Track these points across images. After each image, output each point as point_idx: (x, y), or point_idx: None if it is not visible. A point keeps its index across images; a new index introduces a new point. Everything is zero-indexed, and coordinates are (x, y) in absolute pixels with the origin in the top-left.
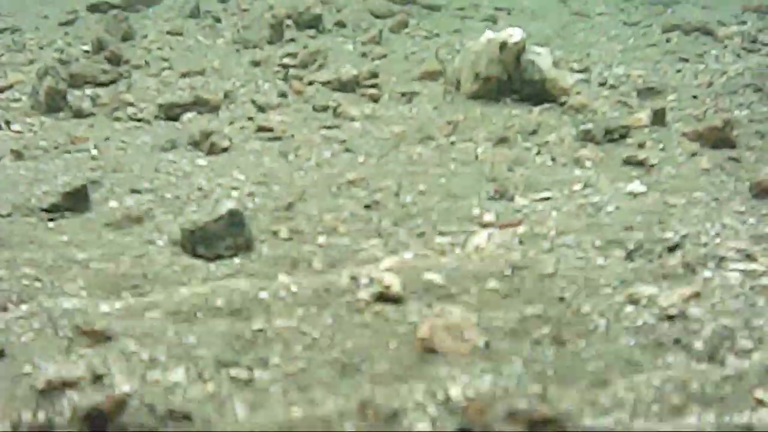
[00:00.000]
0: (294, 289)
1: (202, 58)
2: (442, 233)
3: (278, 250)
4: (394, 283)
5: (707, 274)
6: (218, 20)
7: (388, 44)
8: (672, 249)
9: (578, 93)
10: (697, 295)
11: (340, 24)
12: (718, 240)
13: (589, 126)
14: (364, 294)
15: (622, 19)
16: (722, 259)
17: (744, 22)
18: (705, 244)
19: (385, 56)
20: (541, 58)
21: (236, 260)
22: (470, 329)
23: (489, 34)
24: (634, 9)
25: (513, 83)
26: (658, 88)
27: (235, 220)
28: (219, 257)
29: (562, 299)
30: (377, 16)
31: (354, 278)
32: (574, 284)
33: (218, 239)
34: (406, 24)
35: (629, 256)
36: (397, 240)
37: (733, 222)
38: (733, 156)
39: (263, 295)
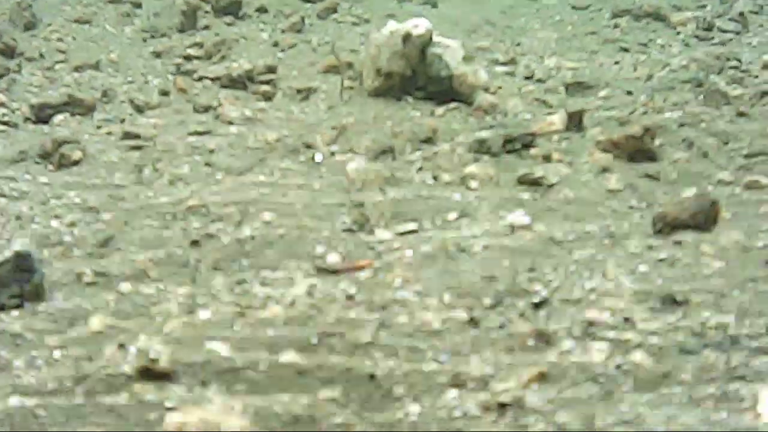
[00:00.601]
0: (56, 355)
1: (104, 49)
2: (264, 281)
3: (72, 299)
4: (163, 356)
5: (567, 345)
6: (138, 5)
7: (310, 32)
8: (537, 306)
9: (492, 91)
10: (542, 377)
11: (262, 9)
12: (593, 296)
13: (485, 135)
14: (127, 367)
15: (571, 3)
16: (591, 324)
17: (704, 6)
18: (577, 302)
19: (294, 46)
20: (450, 51)
21: (15, 313)
22: (232, 422)
23: (392, 25)
24: None
25: (418, 80)
26: (589, 83)
27: (23, 264)
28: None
29: (372, 377)
30: (306, 0)
31: (122, 346)
32: (393, 357)
33: (2, 286)
34: (335, 9)
35: (473, 320)
36: (209, 290)
37: (619, 270)
38: (650, 173)
39: (18, 363)
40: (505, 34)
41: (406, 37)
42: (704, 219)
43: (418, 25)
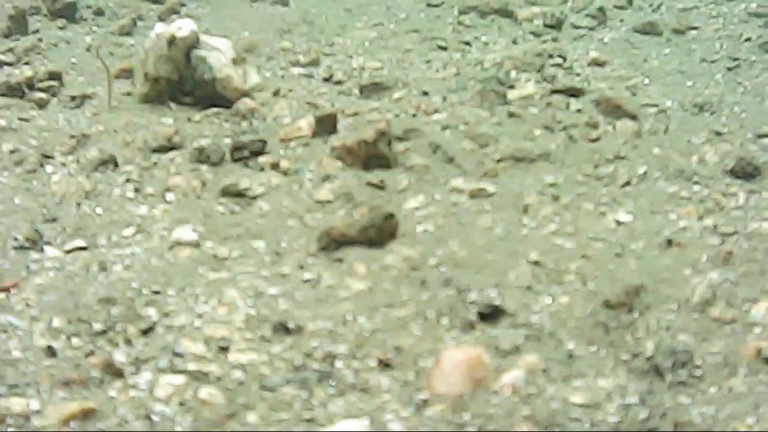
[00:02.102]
0: None
1: None
2: None
3: None
4: None
5: (136, 379)
6: None
7: (141, 35)
8: (144, 333)
9: (272, 93)
10: (85, 414)
11: (99, 12)
12: (199, 322)
13: (204, 143)
14: None
15: (427, 0)
16: (178, 355)
17: (565, 2)
18: (179, 329)
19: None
20: (215, 54)
21: None
22: None
23: (159, 28)
24: None
25: (185, 84)
26: (386, 84)
27: None
28: None
29: None
30: (154, 1)
31: None
32: None
33: None
34: (177, 10)
35: (50, 349)
36: None
37: (244, 293)
38: (375, 181)
39: None
40: (322, 33)
41: (171, 40)
42: (377, 234)
43: (182, 27)
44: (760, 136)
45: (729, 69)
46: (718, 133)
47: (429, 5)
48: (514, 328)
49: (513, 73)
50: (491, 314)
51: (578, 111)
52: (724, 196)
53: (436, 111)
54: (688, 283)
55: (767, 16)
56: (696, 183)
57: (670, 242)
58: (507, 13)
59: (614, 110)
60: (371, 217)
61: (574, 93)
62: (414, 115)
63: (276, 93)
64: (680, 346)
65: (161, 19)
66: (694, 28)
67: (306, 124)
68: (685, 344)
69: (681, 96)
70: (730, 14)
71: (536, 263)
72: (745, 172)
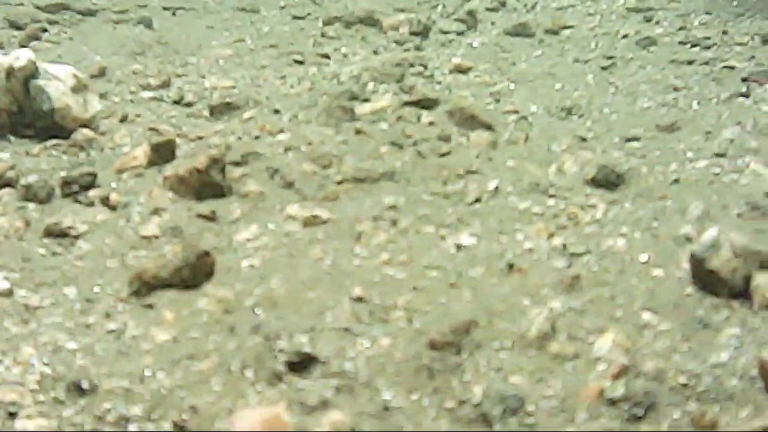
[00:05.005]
0: None
1: None
2: None
3: None
4: None
5: None
6: None
7: None
8: None
9: (117, 120)
10: None
11: None
12: (1, 387)
13: (31, 179)
14: None
15: (293, 12)
16: None
17: (435, 7)
18: None
19: None
20: (54, 83)
21: None
22: None
23: None
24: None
25: (25, 116)
26: (237, 103)
27: None
28: None
29: None
30: (16, 27)
31: None
32: None
33: None
34: (38, 36)
35: None
36: None
37: (42, 349)
38: (206, 212)
39: None
40: (177, 54)
41: (10, 71)
42: (191, 275)
43: (20, 57)
44: (628, 140)
45: (603, 68)
46: (583, 139)
47: (294, 17)
48: (325, 378)
49: (370, 86)
50: (301, 363)
51: (430, 124)
52: (582, 209)
53: (281, 131)
54: (526, 315)
55: (646, 10)
56: (552, 196)
57: (511, 267)
58: (372, 22)
59: (468, 121)
60: (184, 255)
61: (427, 104)
62: (257, 137)
63: (123, 119)
64: (510, 390)
65: (22, 45)
66: (569, 27)
67: (142, 152)
68: (516, 387)
69: (548, 100)
70: (608, 11)
71: (360, 299)
72: (607, 180)
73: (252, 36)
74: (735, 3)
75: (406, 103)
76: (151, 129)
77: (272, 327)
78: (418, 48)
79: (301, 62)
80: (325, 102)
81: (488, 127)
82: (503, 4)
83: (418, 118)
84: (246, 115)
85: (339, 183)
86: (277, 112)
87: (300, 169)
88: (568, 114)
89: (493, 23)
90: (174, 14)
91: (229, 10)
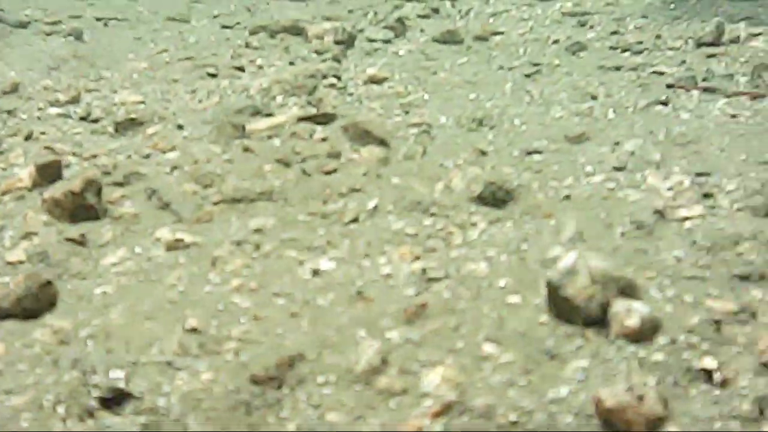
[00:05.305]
0: None
1: None
2: None
3: None
4: None
5: None
6: None
7: None
8: None
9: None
10: None
11: None
12: None
13: None
14: None
15: (223, 22)
16: None
17: (366, 14)
18: None
19: None
20: None
21: None
22: None
23: None
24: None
25: None
26: (142, 119)
27: None
28: None
29: None
30: None
31: None
32: None
33: None
34: None
35: None
36: None
37: None
38: (76, 237)
39: None
40: (92, 67)
41: None
42: (33, 305)
43: None
44: (529, 153)
45: (526, 76)
46: (483, 153)
47: (223, 27)
48: (136, 414)
49: (279, 99)
50: (113, 399)
51: (323, 140)
52: (460, 228)
53: (173, 149)
54: (358, 347)
55: (582, 14)
56: (432, 215)
57: (360, 294)
58: (297, 31)
59: (363, 136)
60: (27, 285)
61: (323, 120)
62: (147, 156)
63: (28, 137)
64: (325, 428)
65: None
66: (499, 34)
67: (27, 174)
68: (331, 425)
69: (460, 111)
70: (542, 16)
71: (193, 330)
72: (494, 198)
73: (177, 47)
74: (672, 6)
75: (302, 119)
76: (47, 148)
77: (91, 361)
78: (335, 59)
79: (214, 75)
80: (219, 118)
81: (382, 143)
82: (436, 11)
83: (311, 135)
84: (150, 131)
85: (216, 203)
86: (180, 127)
87: (180, 189)
88: (479, 125)
89: (422, 30)
90: (106, 25)
91: (162, 20)
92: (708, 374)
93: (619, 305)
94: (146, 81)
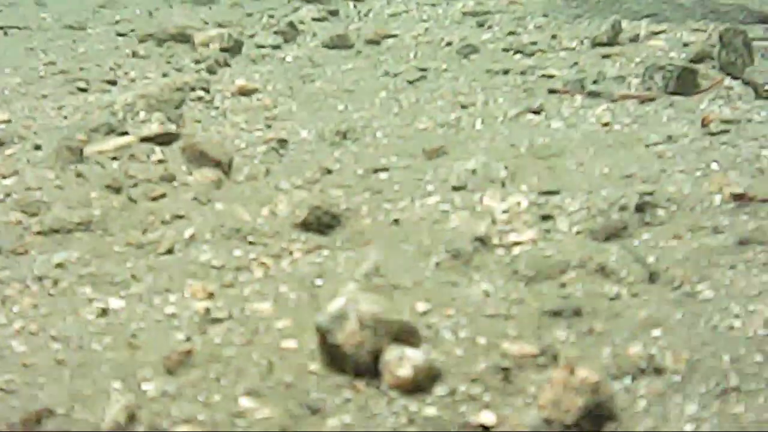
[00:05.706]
0: None
1: None
2: None
3: None
4: None
5: None
6: None
7: None
8: None
9: None
10: None
11: None
12: None
13: None
14: None
15: (119, 29)
16: None
17: (260, 19)
18: None
19: None
20: None
21: None
22: None
23: None
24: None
25: None
26: (3, 139)
27: None
28: None
29: None
30: None
31: None
32: None
33: None
34: None
35: None
36: None
37: None
38: None
39: None
40: None
41: None
42: None
43: None
44: (375, 170)
45: (409, 82)
46: (329, 171)
47: (118, 35)
48: None
49: (142, 114)
50: None
51: (160, 162)
52: (275, 258)
53: (14, 173)
54: (110, 401)
55: (483, 14)
56: (251, 244)
57: (133, 338)
58: (185, 38)
59: (200, 157)
60: None
61: (164, 140)
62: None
63: None
64: None
65: None
66: (392, 36)
67: None
68: None
69: (325, 123)
70: (443, 16)
71: None
72: (320, 223)
73: (66, 57)
74: (575, 4)
75: (144, 139)
76: None
77: None
78: (210, 70)
79: (84, 90)
80: (56, 141)
81: (218, 165)
82: (335, 13)
83: (149, 156)
84: (8, 152)
85: (37, 234)
86: (38, 148)
87: (5, 219)
88: (342, 138)
89: (314, 35)
90: (6, 34)
91: (60, 28)
92: (486, 431)
93: (391, 353)
94: (17, 97)
